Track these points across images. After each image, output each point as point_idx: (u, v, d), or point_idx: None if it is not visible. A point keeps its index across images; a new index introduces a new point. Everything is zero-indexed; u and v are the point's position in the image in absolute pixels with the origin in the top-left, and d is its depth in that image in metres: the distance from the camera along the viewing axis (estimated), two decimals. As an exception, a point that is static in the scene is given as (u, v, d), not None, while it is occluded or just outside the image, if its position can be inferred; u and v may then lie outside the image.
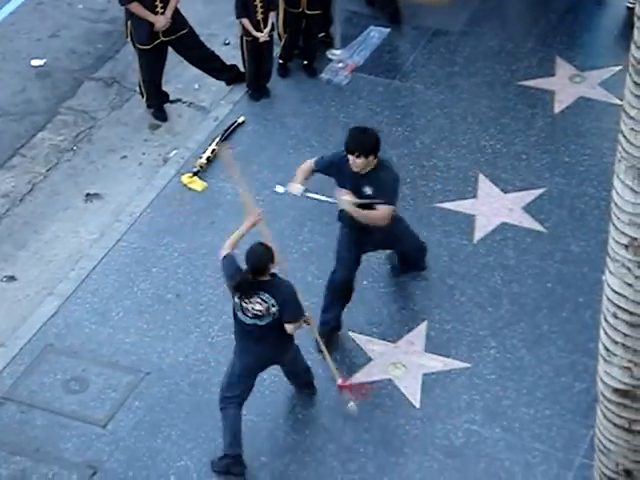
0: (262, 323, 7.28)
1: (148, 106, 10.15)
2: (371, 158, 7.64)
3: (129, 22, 9.72)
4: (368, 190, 7.69)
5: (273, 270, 7.27)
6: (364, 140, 7.63)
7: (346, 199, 7.66)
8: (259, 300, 7.22)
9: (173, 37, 9.79)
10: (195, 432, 7.75)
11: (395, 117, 9.94)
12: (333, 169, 7.85)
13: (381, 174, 7.70)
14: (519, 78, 10.22)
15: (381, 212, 7.68)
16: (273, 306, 7.23)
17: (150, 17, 9.58)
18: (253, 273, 7.18)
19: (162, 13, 9.62)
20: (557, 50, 10.48)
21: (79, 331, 8.38)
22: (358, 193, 7.69)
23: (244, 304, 7.24)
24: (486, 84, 10.20)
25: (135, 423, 7.82)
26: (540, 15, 10.88)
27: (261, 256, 7.17)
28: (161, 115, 10.14)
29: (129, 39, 9.85)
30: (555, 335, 8.22)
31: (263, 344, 7.35)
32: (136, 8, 9.56)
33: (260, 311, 7.24)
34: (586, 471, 7.25)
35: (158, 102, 10.12)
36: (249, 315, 7.26)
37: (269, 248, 7.24)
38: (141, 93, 10.11)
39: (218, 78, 10.32)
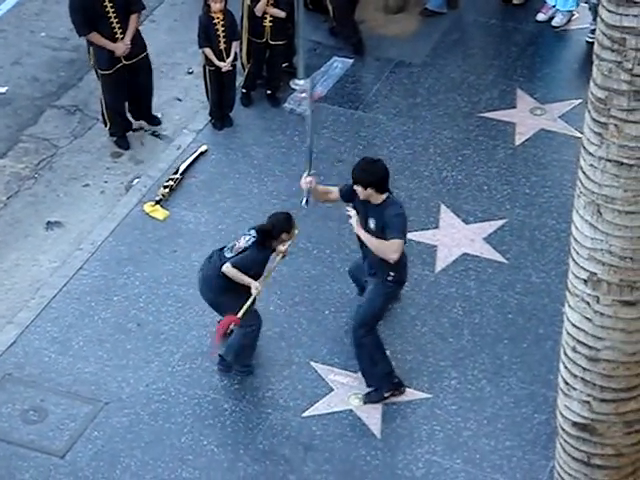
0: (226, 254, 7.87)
1: (111, 134, 10.12)
2: (371, 191, 7.60)
3: (90, 48, 9.71)
4: (372, 224, 7.68)
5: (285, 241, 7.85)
6: (366, 171, 7.63)
7: (355, 221, 7.74)
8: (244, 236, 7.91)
9: (135, 60, 9.78)
10: (155, 463, 7.70)
11: (358, 147, 9.98)
12: (352, 195, 7.81)
13: (386, 210, 7.65)
14: (480, 110, 10.30)
15: (390, 243, 7.59)
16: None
17: (109, 45, 9.58)
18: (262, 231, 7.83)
19: (122, 39, 9.63)
20: (518, 83, 10.58)
21: (38, 360, 8.31)
22: (364, 224, 7.72)
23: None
24: (448, 115, 10.27)
25: (94, 453, 7.76)
26: (501, 48, 10.98)
27: (276, 221, 7.83)
28: (124, 143, 10.11)
29: (92, 63, 9.81)
30: (515, 366, 8.25)
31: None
32: (95, 37, 9.55)
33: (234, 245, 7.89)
34: (546, 502, 7.27)
35: (121, 130, 10.10)
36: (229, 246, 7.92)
37: (289, 218, 7.84)
38: (104, 122, 10.09)
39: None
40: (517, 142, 10.00)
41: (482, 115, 10.25)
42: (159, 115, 10.36)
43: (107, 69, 9.66)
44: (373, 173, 7.63)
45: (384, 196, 7.65)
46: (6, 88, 10.67)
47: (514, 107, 10.34)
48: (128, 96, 10.01)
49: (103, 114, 10.01)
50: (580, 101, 10.19)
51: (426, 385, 8.12)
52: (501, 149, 9.94)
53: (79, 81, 10.71)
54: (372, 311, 7.85)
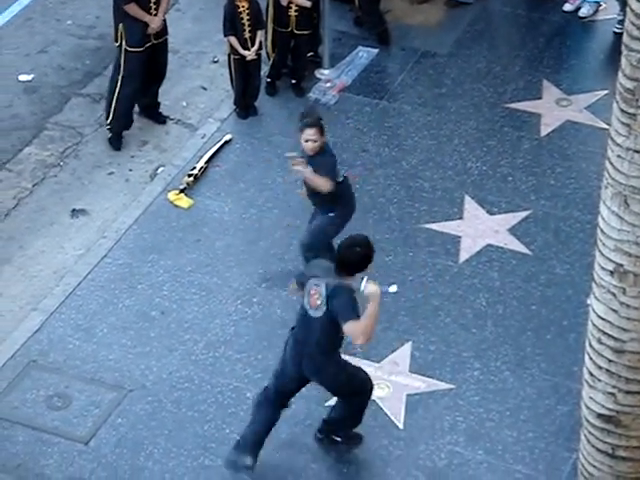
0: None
1: (109, 129, 9.91)
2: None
3: (121, 25, 9.61)
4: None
5: None
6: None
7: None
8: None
9: (162, 40, 9.77)
10: (178, 450, 7.72)
11: (382, 137, 9.97)
12: None
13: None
14: (506, 100, 10.27)
15: None
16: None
17: (146, 17, 9.54)
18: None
19: (155, 15, 9.62)
20: (544, 73, 10.54)
21: (63, 347, 8.35)
22: None
23: None
24: (473, 106, 10.24)
25: (118, 440, 7.79)
26: (528, 38, 10.93)
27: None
28: (117, 143, 9.92)
29: (118, 43, 9.68)
30: (539, 357, 8.23)
31: None
32: (133, 9, 9.51)
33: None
34: (568, 494, 7.25)
35: (120, 126, 9.89)
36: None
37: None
38: (107, 113, 9.87)
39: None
40: (542, 133, 9.96)
41: (507, 106, 10.22)
42: (184, 104, 10.38)
43: (138, 46, 9.61)
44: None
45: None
46: (32, 76, 10.71)
47: (540, 98, 10.30)
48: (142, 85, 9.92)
49: (110, 103, 9.81)
50: (606, 92, 10.14)
51: (449, 376, 8.10)
52: (526, 140, 9.91)
53: (104, 69, 10.72)
54: None
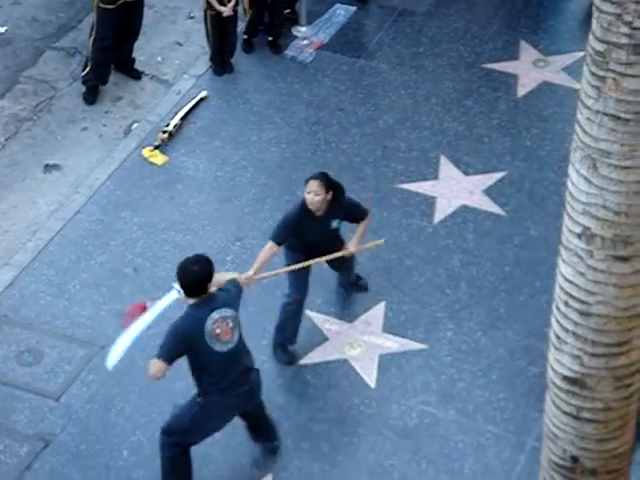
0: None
1: (84, 82, 9.86)
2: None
3: None
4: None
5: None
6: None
7: None
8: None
9: None
10: (149, 407, 7.73)
11: (359, 96, 9.93)
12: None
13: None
14: (483, 61, 10.23)
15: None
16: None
17: None
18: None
19: None
20: (522, 34, 10.50)
21: (34, 303, 8.33)
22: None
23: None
24: (450, 66, 10.20)
25: (89, 396, 7.79)
26: (506, -2, 10.90)
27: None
28: (91, 97, 9.86)
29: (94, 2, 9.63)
30: (511, 319, 8.26)
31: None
32: None
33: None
34: (538, 454, 7.22)
35: (96, 78, 9.82)
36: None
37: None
38: (85, 65, 9.82)
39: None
40: (519, 94, 9.94)
41: (485, 66, 10.19)
42: (159, 59, 10.30)
43: (109, 3, 9.51)
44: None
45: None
46: (5, 28, 10.60)
47: (517, 59, 10.26)
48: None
49: (87, 57, 9.79)
50: (584, 54, 10.03)
51: (421, 336, 8.12)
52: (503, 101, 9.88)
53: (79, 23, 10.63)
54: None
